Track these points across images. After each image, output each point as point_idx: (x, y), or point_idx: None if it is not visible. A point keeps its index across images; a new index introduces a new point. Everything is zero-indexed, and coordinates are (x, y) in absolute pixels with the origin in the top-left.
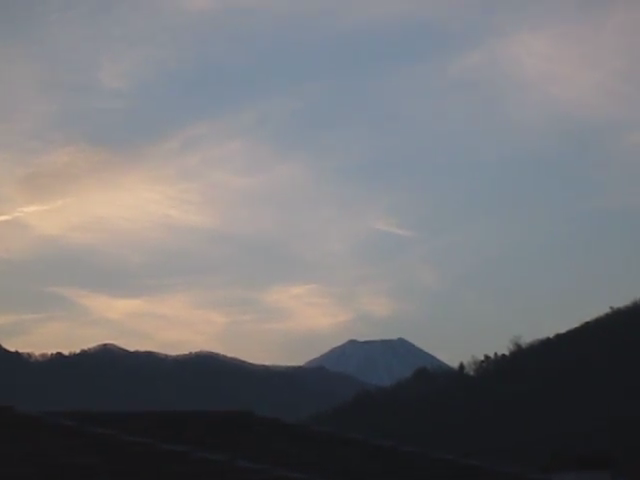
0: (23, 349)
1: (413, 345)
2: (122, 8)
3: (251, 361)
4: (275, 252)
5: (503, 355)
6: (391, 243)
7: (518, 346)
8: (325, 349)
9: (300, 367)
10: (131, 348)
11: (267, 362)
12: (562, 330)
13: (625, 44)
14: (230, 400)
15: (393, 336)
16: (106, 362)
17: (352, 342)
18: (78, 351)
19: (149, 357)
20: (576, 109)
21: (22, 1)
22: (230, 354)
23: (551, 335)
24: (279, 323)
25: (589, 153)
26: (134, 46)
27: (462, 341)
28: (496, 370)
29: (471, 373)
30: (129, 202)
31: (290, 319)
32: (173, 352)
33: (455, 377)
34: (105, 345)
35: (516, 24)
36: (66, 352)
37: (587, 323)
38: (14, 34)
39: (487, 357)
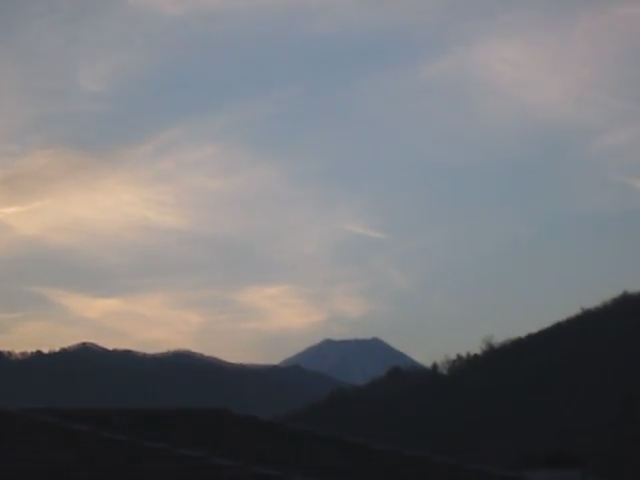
0: (3, 347)
1: (387, 345)
2: (99, 14)
3: (227, 360)
4: (249, 253)
5: (475, 354)
6: (363, 245)
7: (490, 345)
8: (300, 348)
9: (276, 366)
10: (110, 347)
11: (243, 361)
12: (534, 330)
13: (591, 51)
14: (207, 398)
15: (367, 336)
16: (85, 360)
17: (327, 342)
18: (58, 350)
19: (127, 356)
20: (544, 114)
21: (1, 7)
22: (207, 353)
23: (523, 335)
24: (254, 323)
25: (557, 157)
26: (111, 51)
27: (435, 341)
28: (468, 369)
29: (444, 372)
30: (106, 204)
31: (265, 319)
32: (151, 351)
33: (428, 376)
34: (84, 344)
35: (485, 31)
36: (46, 350)
37: (558, 323)
38: None
39: (459, 356)
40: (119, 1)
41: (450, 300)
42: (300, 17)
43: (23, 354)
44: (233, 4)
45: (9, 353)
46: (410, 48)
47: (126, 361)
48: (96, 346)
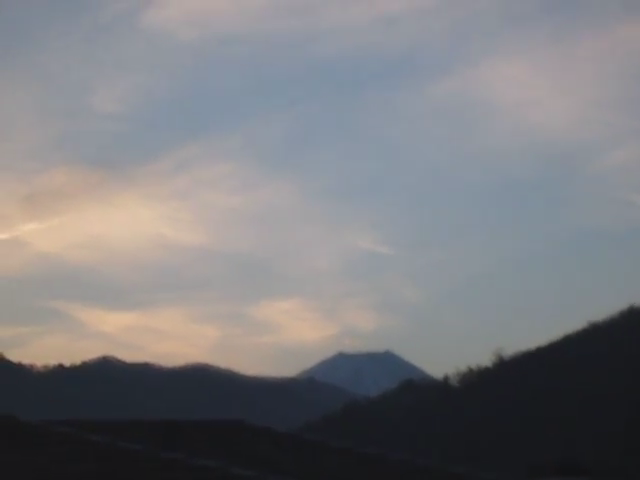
0: (24, 361)
1: (399, 358)
2: (116, 36)
3: (243, 372)
4: (263, 269)
5: (486, 367)
6: (374, 260)
7: (500, 358)
8: (314, 362)
9: (290, 378)
10: (128, 360)
11: (259, 373)
12: (543, 343)
13: (595, 70)
14: (223, 409)
15: (380, 349)
16: (106, 373)
17: (340, 355)
18: (79, 363)
19: (146, 368)
20: (549, 132)
21: (19, 29)
22: (223, 366)
23: (532, 347)
24: (269, 336)
25: (562, 174)
26: (127, 72)
27: (446, 353)
28: (479, 381)
29: (455, 384)
30: (123, 220)
31: (279, 332)
32: (168, 364)
33: (440, 388)
34: (105, 357)
35: (489, 52)
36: (67, 364)
37: (567, 336)
38: (12, 60)
39: (470, 369)
40: (135, 24)
41: (460, 313)
42: (311, 39)
43: (45, 367)
44: (247, 26)
45: (31, 366)
46: (418, 68)
47: (145, 374)
48: (116, 359)
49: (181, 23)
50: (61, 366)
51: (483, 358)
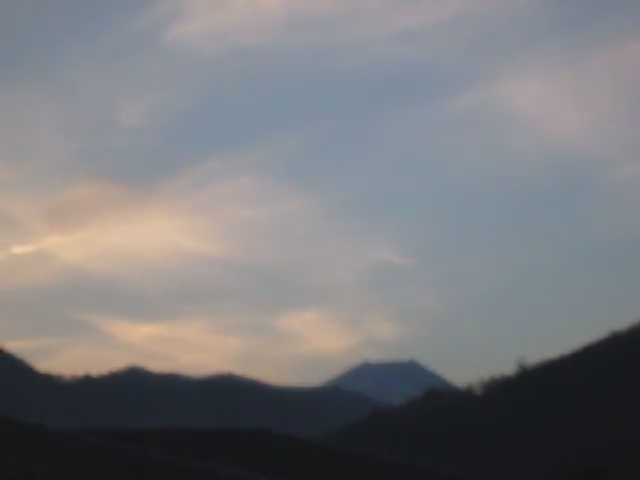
0: (53, 371)
1: (423, 367)
2: (139, 52)
3: (269, 382)
4: (285, 280)
5: (508, 376)
6: (395, 271)
7: (523, 367)
8: (338, 371)
9: (315, 388)
10: (155, 370)
11: (283, 383)
12: (565, 352)
13: (609, 85)
14: (249, 419)
15: (404, 358)
16: (133, 383)
17: (364, 364)
18: (106, 373)
19: (173, 378)
20: (565, 146)
21: (44, 45)
22: (249, 376)
23: (554, 357)
24: (292, 347)
25: (578, 187)
26: (150, 87)
27: (469, 363)
28: (502, 390)
29: (479, 393)
30: (147, 233)
31: (303, 343)
32: (193, 374)
33: (463, 397)
34: (132, 368)
35: (507, 67)
36: (95, 374)
37: (588, 345)
38: (37, 77)
39: (493, 378)
40: (158, 39)
41: (481, 323)
42: (330, 54)
43: (73, 377)
44: (267, 42)
45: (59, 377)
46: (436, 83)
47: (172, 384)
48: (143, 370)
49: (203, 39)
50: (89, 376)
51: (505, 367)
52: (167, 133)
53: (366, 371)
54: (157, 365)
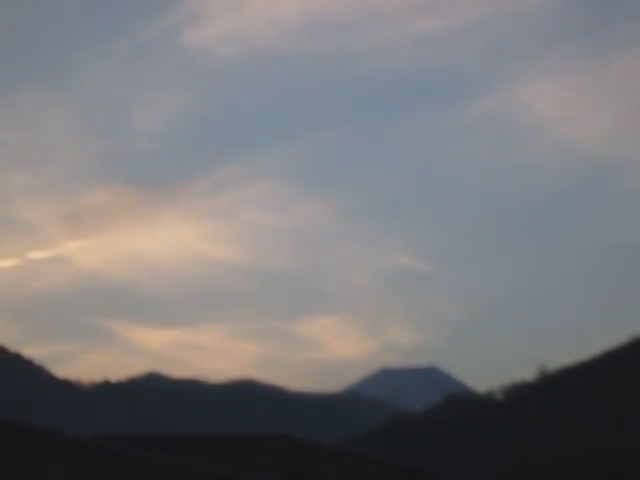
0: (71, 377)
1: (443, 372)
2: (155, 56)
3: (287, 388)
4: (304, 286)
5: (529, 381)
6: (413, 276)
7: (544, 372)
8: (357, 377)
9: (335, 393)
10: (174, 376)
11: (302, 389)
12: (585, 357)
13: (626, 88)
14: (268, 424)
15: (423, 364)
16: (152, 389)
17: (384, 370)
18: (125, 379)
19: (192, 384)
20: (583, 150)
21: (60, 50)
22: (268, 382)
23: (574, 362)
24: (311, 352)
25: (597, 190)
26: (166, 92)
27: (489, 368)
28: (523, 396)
29: (499, 399)
30: (164, 238)
31: (321, 348)
32: (212, 379)
33: (484, 402)
34: (151, 373)
35: (525, 72)
36: (113, 380)
37: (609, 350)
38: (53, 83)
39: (514, 383)
40: (174, 43)
41: (501, 328)
42: (348, 59)
43: (91, 383)
44: (283, 47)
45: (78, 382)
46: (453, 88)
47: (191, 389)
48: (162, 375)
49: (219, 43)
50: (107, 382)
51: (526, 372)
52: (184, 138)
53: (385, 376)
54: (176, 371)
